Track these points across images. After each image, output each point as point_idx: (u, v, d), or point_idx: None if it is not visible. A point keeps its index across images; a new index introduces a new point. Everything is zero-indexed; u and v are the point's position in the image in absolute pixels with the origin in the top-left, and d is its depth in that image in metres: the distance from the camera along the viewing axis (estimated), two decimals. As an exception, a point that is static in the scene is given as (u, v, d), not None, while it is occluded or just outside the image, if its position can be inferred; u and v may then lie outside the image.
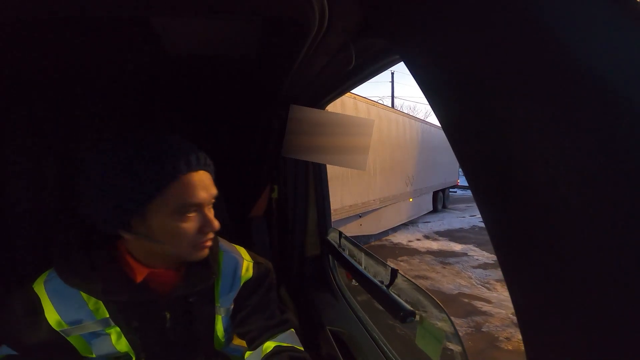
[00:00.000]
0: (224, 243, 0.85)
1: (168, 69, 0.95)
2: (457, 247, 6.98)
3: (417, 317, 0.81)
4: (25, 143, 0.98)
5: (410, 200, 8.20)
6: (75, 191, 0.66)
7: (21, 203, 0.98)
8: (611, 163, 0.26)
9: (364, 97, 6.01)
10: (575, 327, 0.29)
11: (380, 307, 0.93)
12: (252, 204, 1.37)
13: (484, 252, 6.38)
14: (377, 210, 6.56)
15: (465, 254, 6.41)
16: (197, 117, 1.29)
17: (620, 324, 0.26)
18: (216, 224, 0.67)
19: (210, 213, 0.68)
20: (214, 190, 0.68)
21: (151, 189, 0.61)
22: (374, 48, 0.73)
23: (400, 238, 7.53)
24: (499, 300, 4.30)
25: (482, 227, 8.49)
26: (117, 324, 0.71)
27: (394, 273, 0.92)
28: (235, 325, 0.84)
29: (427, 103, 0.45)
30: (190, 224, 0.65)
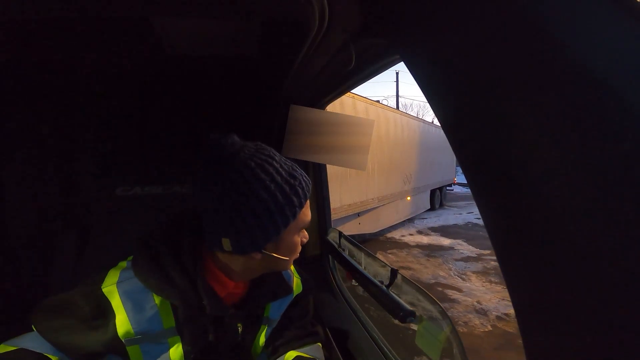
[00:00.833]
0: None
1: (168, 69, 0.94)
2: (446, 241, 7.25)
3: (417, 317, 0.81)
4: (25, 143, 0.98)
5: (408, 198, 8.22)
6: (202, 205, 0.63)
7: (21, 203, 0.97)
8: (611, 162, 0.26)
9: (363, 97, 6.01)
10: (575, 326, 0.29)
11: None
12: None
13: (470, 247, 6.69)
14: (375, 209, 6.57)
15: (452, 248, 6.72)
16: (197, 117, 1.28)
17: (619, 323, 0.26)
18: (307, 234, 0.71)
19: None
20: None
21: (295, 212, 0.63)
22: (374, 48, 0.72)
23: (394, 233, 7.72)
24: (469, 290, 4.60)
25: (475, 224, 8.88)
26: (180, 334, 0.67)
27: (394, 273, 0.92)
28: (275, 341, 0.84)
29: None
30: (301, 239, 0.70)
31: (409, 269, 5.51)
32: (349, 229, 5.72)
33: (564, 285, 0.29)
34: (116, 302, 0.62)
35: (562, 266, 0.29)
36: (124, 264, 0.68)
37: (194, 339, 0.68)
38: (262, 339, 0.81)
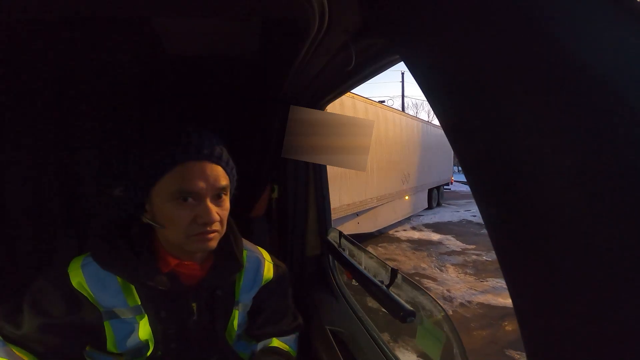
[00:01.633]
0: (246, 243, 0.88)
1: (168, 69, 0.94)
2: (436, 237, 7.50)
3: (417, 317, 0.81)
4: (25, 143, 0.97)
5: (407, 198, 8.25)
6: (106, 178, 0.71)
7: (21, 203, 0.97)
8: (611, 162, 0.26)
9: (363, 97, 6.02)
10: (575, 325, 0.29)
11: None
12: (252, 204, 1.37)
13: (458, 242, 6.95)
14: (374, 209, 6.58)
15: (440, 243, 6.98)
16: (197, 117, 1.28)
17: (619, 323, 0.26)
18: (213, 216, 0.67)
19: (216, 205, 0.68)
20: (218, 183, 0.68)
21: (154, 174, 0.65)
22: (374, 48, 0.72)
23: (388, 228, 7.83)
24: (443, 280, 4.98)
25: (469, 221, 9.08)
26: (147, 312, 0.72)
27: (394, 273, 0.92)
28: (251, 327, 0.88)
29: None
30: (185, 212, 0.66)
31: (394, 260, 5.85)
32: (348, 228, 5.72)
33: (565, 286, 0.29)
34: (82, 281, 0.69)
35: (563, 266, 0.29)
36: (81, 256, 0.73)
37: (155, 316, 0.73)
38: (235, 325, 0.83)
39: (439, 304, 0.77)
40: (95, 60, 0.86)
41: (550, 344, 0.32)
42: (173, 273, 0.73)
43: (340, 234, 1.30)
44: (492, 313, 3.91)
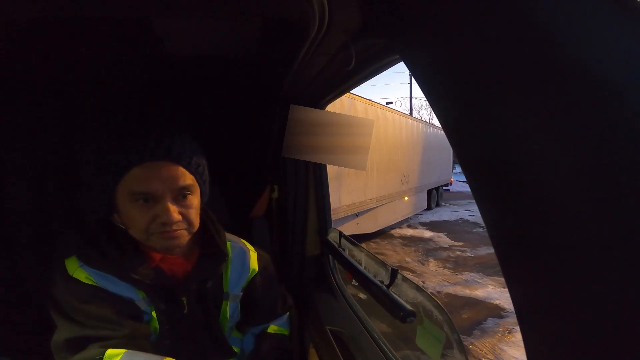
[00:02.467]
0: (229, 235, 0.89)
1: (168, 69, 0.94)
2: (428, 234, 7.81)
3: (417, 317, 0.81)
4: (25, 143, 0.97)
5: (406, 198, 8.25)
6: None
7: (21, 203, 0.97)
8: (611, 162, 0.26)
9: (363, 97, 6.01)
10: (575, 325, 0.29)
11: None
12: (252, 204, 1.37)
13: (448, 239, 7.27)
14: (373, 209, 6.58)
15: (431, 240, 7.33)
16: (197, 117, 1.28)
17: (619, 323, 0.26)
18: (172, 216, 0.67)
19: (179, 205, 0.69)
20: (178, 183, 0.68)
21: (112, 179, 0.67)
22: (374, 48, 0.72)
23: (387, 228, 7.96)
24: (421, 272, 5.39)
25: (465, 220, 9.28)
26: (153, 304, 0.74)
27: (394, 273, 0.92)
28: (248, 319, 0.90)
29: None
30: (143, 212, 0.67)
31: (383, 254, 6.22)
32: (348, 229, 5.73)
33: (565, 286, 0.29)
34: (90, 278, 0.69)
35: (563, 266, 0.29)
36: (73, 258, 0.73)
37: (156, 308, 0.74)
38: (227, 315, 0.85)
39: (439, 304, 0.76)
40: (95, 60, 0.86)
41: (550, 344, 0.32)
42: (159, 267, 0.74)
43: (340, 234, 1.30)
44: (455, 302, 4.18)
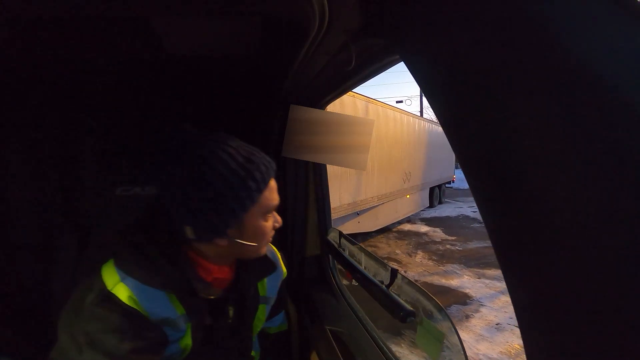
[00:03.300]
0: None
1: (168, 69, 0.94)
2: (424, 229, 8.00)
3: (417, 317, 0.81)
4: (25, 145, 0.97)
5: (408, 196, 8.24)
6: (162, 201, 0.65)
7: (21, 204, 0.97)
8: (611, 163, 0.26)
9: (363, 95, 6.00)
10: (576, 326, 0.29)
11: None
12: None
13: (442, 234, 7.48)
14: (374, 208, 6.58)
15: (426, 234, 7.55)
16: (197, 117, 1.28)
17: (619, 323, 0.26)
18: (280, 219, 0.72)
19: None
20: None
21: (253, 197, 0.64)
22: (374, 48, 0.72)
23: (389, 226, 8.09)
24: (406, 263, 5.65)
25: (466, 216, 9.39)
26: (191, 321, 0.71)
27: (394, 273, 0.92)
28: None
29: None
30: (270, 223, 0.70)
31: (375, 246, 6.48)
32: (349, 228, 5.74)
33: (565, 286, 0.29)
34: (129, 297, 0.63)
35: (563, 266, 0.29)
36: (109, 264, 0.68)
37: (197, 324, 0.71)
38: (262, 318, 0.87)
39: (439, 304, 0.76)
40: (95, 60, 0.86)
41: (550, 344, 0.32)
42: (214, 279, 0.73)
43: (340, 234, 1.30)
44: (428, 290, 4.43)
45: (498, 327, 3.63)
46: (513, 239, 0.34)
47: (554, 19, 0.28)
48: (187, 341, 0.71)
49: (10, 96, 0.94)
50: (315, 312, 1.20)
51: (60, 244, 1.09)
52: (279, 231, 1.41)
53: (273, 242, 1.49)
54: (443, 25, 0.40)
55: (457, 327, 0.69)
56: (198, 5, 0.60)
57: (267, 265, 0.84)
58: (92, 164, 1.17)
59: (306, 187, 1.40)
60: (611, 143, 0.26)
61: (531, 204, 0.31)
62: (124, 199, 1.24)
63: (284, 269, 0.92)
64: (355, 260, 1.14)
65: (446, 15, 0.39)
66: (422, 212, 9.70)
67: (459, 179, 12.80)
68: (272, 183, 0.68)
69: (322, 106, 1.22)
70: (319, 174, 1.40)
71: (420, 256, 6.01)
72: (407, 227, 8.16)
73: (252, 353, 0.91)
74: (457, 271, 5.29)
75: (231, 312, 0.77)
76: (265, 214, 0.68)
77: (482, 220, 0.38)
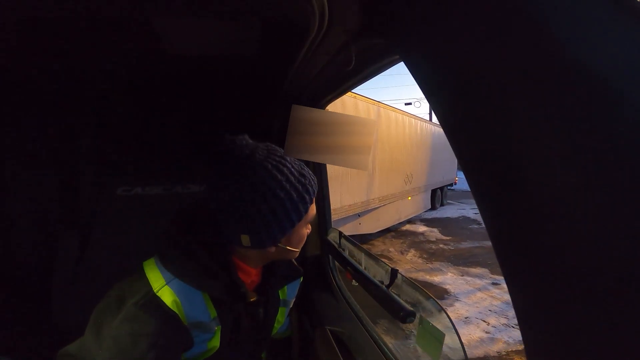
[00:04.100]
0: None
1: (168, 69, 0.94)
2: (422, 229, 8.17)
3: (417, 317, 0.81)
4: (25, 144, 0.98)
5: (409, 198, 8.22)
6: (212, 208, 0.67)
7: (22, 204, 0.98)
8: (611, 163, 0.26)
9: (365, 97, 6.00)
10: (576, 327, 0.29)
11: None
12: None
13: (439, 234, 7.66)
14: (376, 210, 6.57)
15: (422, 234, 7.74)
16: (197, 117, 1.29)
17: (618, 322, 0.26)
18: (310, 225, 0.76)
19: None
20: None
21: (307, 208, 0.69)
22: (374, 48, 0.72)
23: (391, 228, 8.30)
24: (397, 260, 5.90)
25: (467, 217, 9.44)
26: (222, 323, 0.72)
27: (394, 273, 0.91)
28: None
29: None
30: (309, 229, 0.76)
31: (370, 244, 6.71)
32: (350, 229, 5.73)
33: (565, 286, 0.29)
34: (176, 301, 0.64)
35: (563, 266, 0.29)
36: (152, 264, 0.69)
37: (232, 325, 0.74)
38: (282, 320, 0.91)
39: (438, 304, 0.76)
40: (96, 60, 0.86)
41: (550, 344, 0.32)
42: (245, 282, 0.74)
43: (340, 234, 1.30)
44: None
45: (466, 321, 3.85)
46: (513, 239, 0.34)
47: (554, 19, 0.28)
48: (215, 343, 0.72)
49: (10, 96, 0.95)
50: (315, 312, 1.20)
51: (60, 244, 1.10)
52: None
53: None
54: (443, 25, 0.40)
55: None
56: (199, 5, 0.60)
57: (292, 269, 0.88)
58: (92, 164, 1.17)
59: None
60: (611, 143, 0.26)
61: (531, 204, 0.31)
62: (124, 199, 1.25)
63: (301, 273, 0.94)
64: (355, 260, 1.14)
65: (446, 15, 0.39)
66: (424, 212, 9.70)
67: (462, 180, 12.76)
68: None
69: (322, 106, 1.22)
70: (319, 174, 1.40)
71: (411, 254, 6.25)
72: (405, 227, 8.25)
73: (262, 355, 0.93)
74: (443, 269, 5.50)
75: (261, 314, 0.80)
76: (309, 222, 0.74)
77: (481, 222, 0.38)
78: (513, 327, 3.69)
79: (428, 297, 0.80)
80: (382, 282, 0.94)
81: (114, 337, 0.59)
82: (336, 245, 1.30)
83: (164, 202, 1.29)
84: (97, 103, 1.07)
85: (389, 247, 6.65)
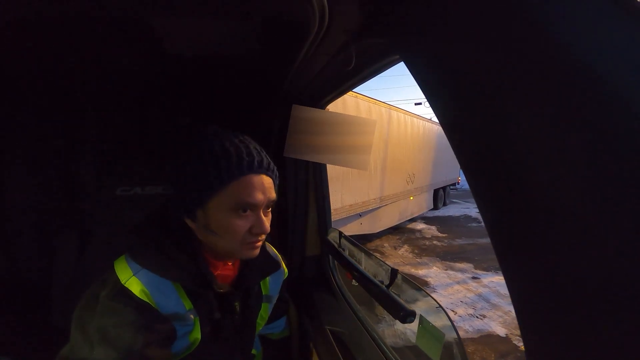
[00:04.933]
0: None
1: (168, 69, 0.95)
2: (421, 226, 8.33)
3: (417, 317, 0.81)
4: (25, 143, 0.98)
5: (411, 198, 8.20)
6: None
7: (22, 204, 0.98)
8: (611, 162, 0.26)
9: (367, 96, 5.99)
10: (575, 326, 0.29)
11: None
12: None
13: (436, 232, 7.83)
14: (377, 210, 6.56)
15: (420, 231, 7.91)
16: (198, 117, 1.29)
17: (620, 323, 0.26)
18: (267, 227, 0.70)
19: (265, 216, 0.71)
20: (272, 195, 0.71)
21: (215, 185, 0.66)
22: (374, 48, 0.72)
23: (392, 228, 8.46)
24: (388, 254, 6.03)
25: (469, 216, 9.51)
26: (199, 315, 0.72)
27: (394, 273, 0.91)
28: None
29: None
30: (243, 222, 0.68)
31: (366, 239, 6.76)
32: (351, 229, 5.73)
33: (565, 285, 0.29)
34: (145, 291, 0.65)
35: (562, 266, 0.29)
36: (121, 259, 0.70)
37: (206, 317, 0.73)
38: (265, 316, 0.89)
39: (438, 304, 0.76)
40: (95, 61, 0.86)
41: (550, 344, 0.32)
42: (218, 275, 0.75)
43: (340, 234, 1.30)
44: None
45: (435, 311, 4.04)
46: (512, 238, 0.34)
47: (554, 19, 0.29)
48: (197, 335, 0.73)
49: (10, 96, 0.95)
50: (315, 312, 1.20)
51: (60, 244, 1.10)
52: (279, 231, 1.42)
53: (273, 242, 1.50)
54: (443, 25, 0.40)
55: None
56: (199, 5, 0.61)
57: (270, 264, 0.87)
58: (92, 164, 1.17)
59: (306, 187, 1.40)
60: (611, 143, 0.26)
61: (530, 203, 0.31)
62: (123, 199, 1.25)
63: (285, 269, 0.94)
64: (355, 260, 1.14)
65: (446, 16, 0.39)
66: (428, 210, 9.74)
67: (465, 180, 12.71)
68: (255, 180, 0.67)
69: (323, 106, 1.22)
70: (319, 173, 1.40)
71: (403, 249, 6.42)
72: (405, 224, 8.32)
73: (253, 351, 0.92)
74: (429, 263, 5.67)
75: (237, 308, 0.79)
76: (235, 208, 0.67)
77: (482, 220, 0.38)
78: (477, 317, 3.83)
79: (427, 296, 0.80)
80: (382, 282, 0.94)
81: (100, 332, 0.61)
82: (336, 245, 1.30)
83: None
84: (97, 103, 1.07)
85: (384, 243, 6.84)
